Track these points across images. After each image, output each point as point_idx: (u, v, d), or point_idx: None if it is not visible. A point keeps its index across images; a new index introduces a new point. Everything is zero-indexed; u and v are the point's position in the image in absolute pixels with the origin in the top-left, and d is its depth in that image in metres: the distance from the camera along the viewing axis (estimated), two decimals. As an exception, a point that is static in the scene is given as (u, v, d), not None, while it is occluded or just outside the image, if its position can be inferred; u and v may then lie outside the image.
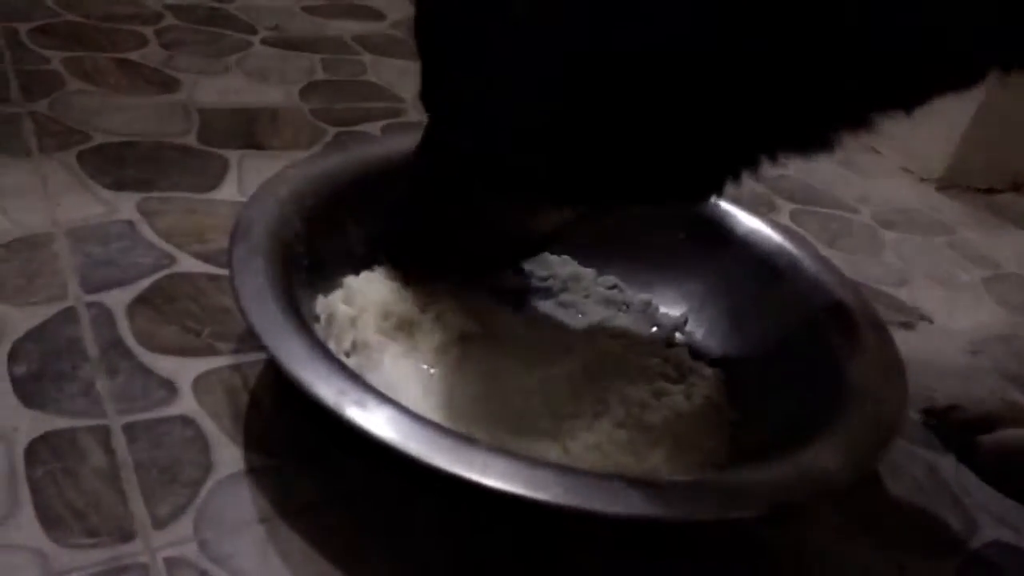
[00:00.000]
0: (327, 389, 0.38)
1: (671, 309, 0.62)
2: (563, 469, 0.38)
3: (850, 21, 0.34)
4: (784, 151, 0.41)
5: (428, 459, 0.36)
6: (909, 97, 0.39)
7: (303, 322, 0.43)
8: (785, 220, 0.86)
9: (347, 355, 0.49)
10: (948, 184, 1.00)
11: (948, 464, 0.56)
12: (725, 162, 0.42)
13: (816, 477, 0.42)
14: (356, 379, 0.40)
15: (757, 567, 0.47)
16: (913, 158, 1.03)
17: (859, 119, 0.40)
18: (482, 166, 0.46)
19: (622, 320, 0.62)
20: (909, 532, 0.51)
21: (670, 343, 0.60)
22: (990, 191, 1.02)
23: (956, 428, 0.57)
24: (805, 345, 0.55)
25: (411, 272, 0.54)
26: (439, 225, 0.52)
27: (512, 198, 0.48)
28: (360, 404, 0.37)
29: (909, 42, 0.36)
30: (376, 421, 0.37)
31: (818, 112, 0.39)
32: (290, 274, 0.47)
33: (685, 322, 0.62)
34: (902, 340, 0.68)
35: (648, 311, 0.62)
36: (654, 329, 0.62)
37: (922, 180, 1.01)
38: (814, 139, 0.41)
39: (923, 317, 0.73)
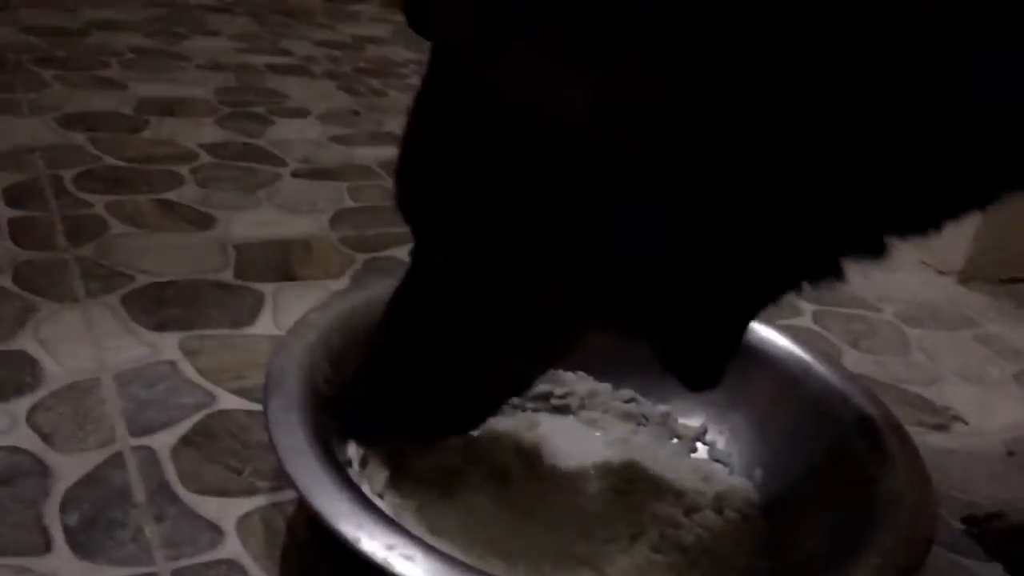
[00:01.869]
0: (375, 545, 0.39)
1: (689, 419, 0.63)
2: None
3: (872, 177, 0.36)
4: (806, 283, 0.42)
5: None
6: (926, 225, 0.41)
7: (344, 475, 0.45)
8: (808, 323, 0.87)
9: (380, 496, 0.50)
10: (968, 276, 1.01)
11: (994, 574, 0.55)
12: (755, 301, 0.43)
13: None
14: (402, 531, 0.41)
15: None
16: (931, 252, 1.04)
17: (875, 249, 0.41)
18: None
19: (643, 434, 0.62)
20: (961, 649, 0.50)
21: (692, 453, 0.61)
22: (1011, 280, 1.03)
23: (1000, 537, 0.56)
24: (830, 453, 0.55)
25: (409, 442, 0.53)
26: (434, 381, 0.49)
27: (534, 339, 0.47)
28: (409, 558, 0.39)
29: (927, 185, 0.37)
30: (425, 574, 0.38)
31: (840, 250, 0.41)
32: (324, 422, 0.49)
33: (705, 431, 0.62)
34: (937, 442, 0.69)
35: (668, 423, 0.63)
36: (675, 440, 0.62)
37: (942, 273, 1.02)
38: (835, 270, 0.41)
39: (956, 417, 0.73)
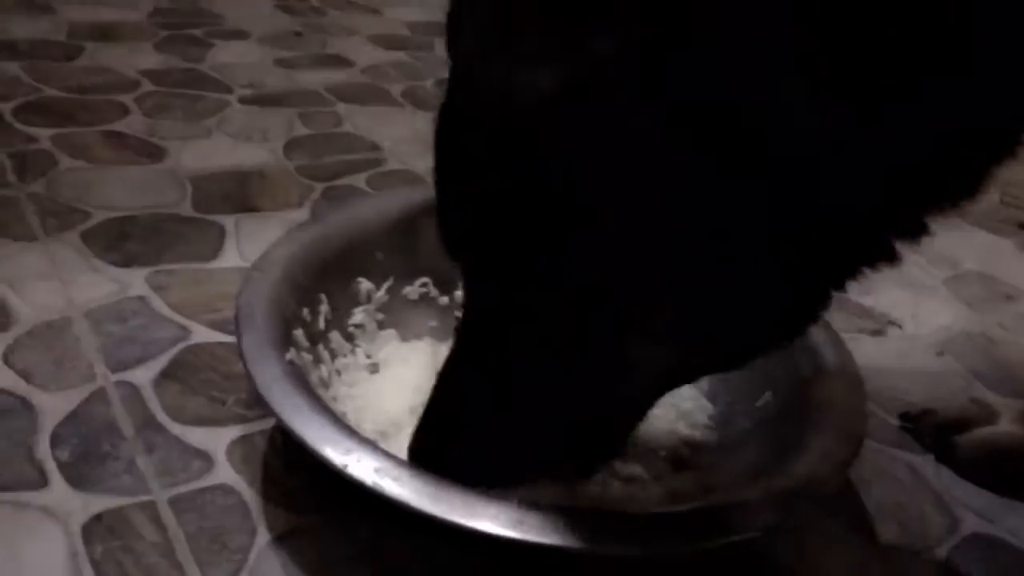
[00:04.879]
0: (363, 469, 0.42)
1: None
2: (564, 512, 0.42)
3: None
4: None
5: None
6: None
7: (322, 404, 0.47)
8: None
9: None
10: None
11: (928, 464, 0.61)
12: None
13: (806, 489, 0.47)
14: (386, 455, 0.44)
15: (765, 577, 0.51)
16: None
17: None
18: None
19: None
20: (897, 530, 0.55)
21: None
22: (942, 191, 1.08)
23: (932, 431, 0.62)
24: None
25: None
26: None
27: None
28: (397, 479, 0.42)
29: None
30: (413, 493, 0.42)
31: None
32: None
33: None
34: (874, 347, 0.74)
35: None
36: None
37: (878, 186, 1.07)
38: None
39: (891, 323, 0.78)
